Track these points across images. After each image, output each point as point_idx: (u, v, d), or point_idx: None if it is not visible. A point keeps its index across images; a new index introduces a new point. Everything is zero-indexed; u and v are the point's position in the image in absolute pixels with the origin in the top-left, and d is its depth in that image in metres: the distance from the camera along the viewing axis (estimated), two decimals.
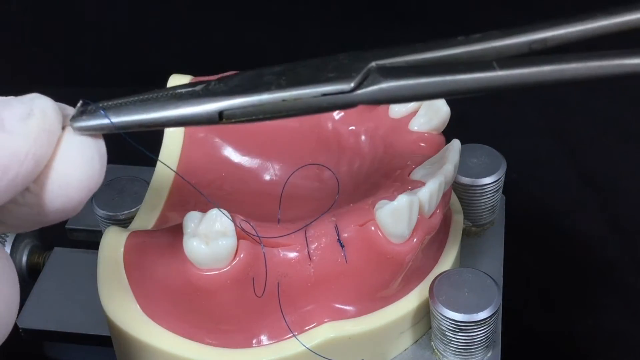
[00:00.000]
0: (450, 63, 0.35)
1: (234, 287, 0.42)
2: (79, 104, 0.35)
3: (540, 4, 0.87)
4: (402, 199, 0.42)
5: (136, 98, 0.35)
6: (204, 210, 0.42)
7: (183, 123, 0.35)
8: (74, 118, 0.34)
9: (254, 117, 0.35)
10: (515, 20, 0.37)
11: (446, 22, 0.87)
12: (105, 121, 0.34)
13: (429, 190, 0.43)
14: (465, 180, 0.52)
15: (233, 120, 0.35)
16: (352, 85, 0.34)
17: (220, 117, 0.35)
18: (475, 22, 0.87)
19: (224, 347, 0.44)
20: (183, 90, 0.36)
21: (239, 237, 0.41)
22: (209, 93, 0.35)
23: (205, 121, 0.35)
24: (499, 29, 0.36)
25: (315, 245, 0.43)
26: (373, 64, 0.35)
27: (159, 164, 0.53)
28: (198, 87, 0.36)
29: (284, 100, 0.35)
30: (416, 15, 0.88)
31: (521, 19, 0.88)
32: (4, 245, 0.55)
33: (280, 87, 0.35)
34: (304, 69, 0.35)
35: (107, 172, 0.62)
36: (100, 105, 0.35)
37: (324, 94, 0.34)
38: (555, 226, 0.68)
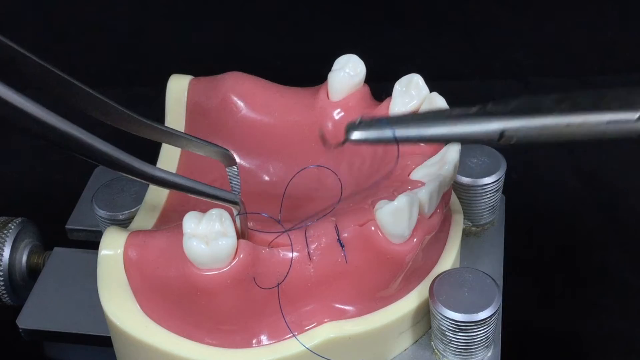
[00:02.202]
0: None
1: (233, 287, 0.42)
2: (357, 119, 0.37)
3: (540, 3, 0.87)
4: (402, 199, 0.42)
5: (406, 116, 0.38)
6: (203, 210, 0.42)
7: (462, 140, 0.37)
8: (351, 129, 0.36)
9: (533, 140, 0.36)
10: (515, 20, 0.37)
11: (446, 22, 0.87)
12: (385, 133, 0.36)
13: (429, 190, 0.43)
14: (465, 180, 0.52)
15: (512, 142, 0.36)
16: (637, 115, 0.35)
17: (500, 137, 0.36)
18: (476, 22, 0.87)
19: (224, 347, 0.44)
20: (455, 111, 0.37)
21: (238, 237, 0.41)
22: (487, 113, 0.36)
23: (484, 139, 0.36)
24: None
25: (315, 245, 0.43)
26: None
27: (159, 164, 0.53)
28: (474, 108, 0.37)
29: (567, 125, 0.36)
30: (416, 16, 0.88)
31: (521, 18, 0.88)
32: (3, 245, 0.55)
33: (562, 112, 0.36)
34: (583, 98, 0.36)
35: (107, 172, 0.62)
36: (374, 120, 0.37)
37: (609, 122, 0.35)
38: (555, 226, 0.68)
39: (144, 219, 0.50)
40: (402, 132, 0.36)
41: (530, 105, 0.36)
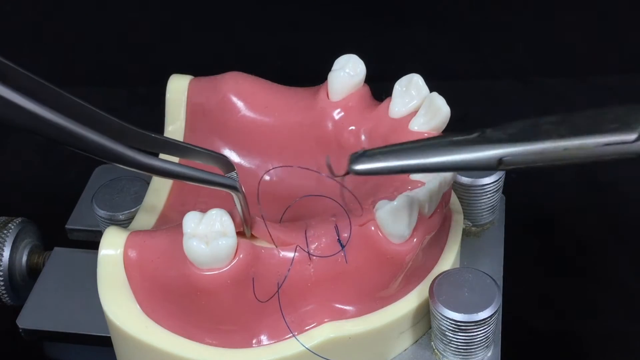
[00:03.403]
0: None
1: (233, 287, 0.42)
2: (360, 151, 0.37)
3: (540, 3, 0.87)
4: (402, 199, 0.42)
5: (407, 145, 0.38)
6: (204, 210, 0.42)
7: (461, 168, 0.37)
8: (353, 162, 0.37)
9: (531, 164, 0.36)
10: (516, 20, 0.36)
11: (446, 22, 0.87)
12: (385, 164, 0.37)
13: (429, 190, 0.43)
14: (465, 180, 0.52)
15: (511, 167, 0.37)
16: (634, 136, 0.35)
17: (498, 164, 0.36)
18: (476, 22, 0.87)
19: (224, 347, 0.44)
20: (456, 137, 0.37)
21: (238, 237, 0.41)
22: (486, 140, 0.37)
23: (483, 166, 0.37)
24: None
25: (315, 245, 0.43)
26: None
27: None
28: (473, 135, 0.37)
29: (565, 149, 0.36)
30: (416, 16, 0.88)
31: (521, 18, 0.88)
32: (3, 245, 0.55)
33: (561, 136, 0.36)
34: (581, 119, 0.37)
35: (107, 172, 0.62)
36: (376, 151, 0.37)
37: (606, 144, 0.36)
38: (555, 226, 0.68)
39: (144, 219, 0.50)
40: (404, 162, 0.37)
41: (528, 130, 0.37)
